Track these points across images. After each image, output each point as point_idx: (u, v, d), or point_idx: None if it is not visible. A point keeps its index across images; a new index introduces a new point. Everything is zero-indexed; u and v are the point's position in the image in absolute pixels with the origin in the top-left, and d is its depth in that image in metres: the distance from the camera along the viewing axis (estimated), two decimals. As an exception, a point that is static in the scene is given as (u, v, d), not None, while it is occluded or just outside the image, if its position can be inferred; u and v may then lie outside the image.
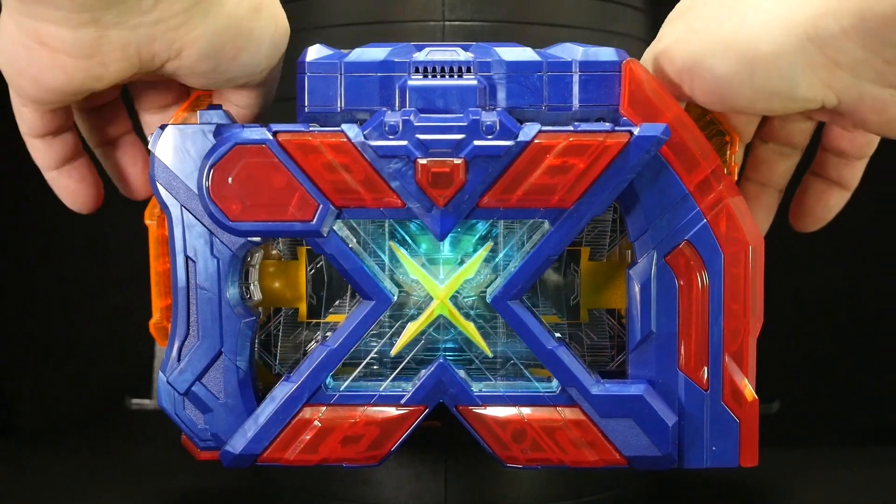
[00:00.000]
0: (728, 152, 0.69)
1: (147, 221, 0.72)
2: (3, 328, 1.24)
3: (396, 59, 0.65)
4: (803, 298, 1.20)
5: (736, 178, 0.70)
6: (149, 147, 0.66)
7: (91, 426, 1.22)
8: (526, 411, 0.65)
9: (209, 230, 0.65)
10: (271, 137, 0.63)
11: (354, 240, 0.66)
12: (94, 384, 1.24)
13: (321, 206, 0.63)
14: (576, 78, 0.65)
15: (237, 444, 0.65)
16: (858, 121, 0.60)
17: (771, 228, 0.72)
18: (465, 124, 0.62)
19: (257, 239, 0.65)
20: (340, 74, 0.66)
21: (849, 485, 1.03)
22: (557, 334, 0.67)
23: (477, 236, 0.67)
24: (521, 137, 0.62)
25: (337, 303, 0.72)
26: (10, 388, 1.24)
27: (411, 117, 0.62)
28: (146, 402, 0.88)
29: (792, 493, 1.00)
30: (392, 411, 0.65)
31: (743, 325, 0.65)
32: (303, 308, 0.72)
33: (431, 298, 0.66)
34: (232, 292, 0.66)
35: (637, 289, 0.65)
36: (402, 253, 0.66)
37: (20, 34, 0.60)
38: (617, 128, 0.62)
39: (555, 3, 0.79)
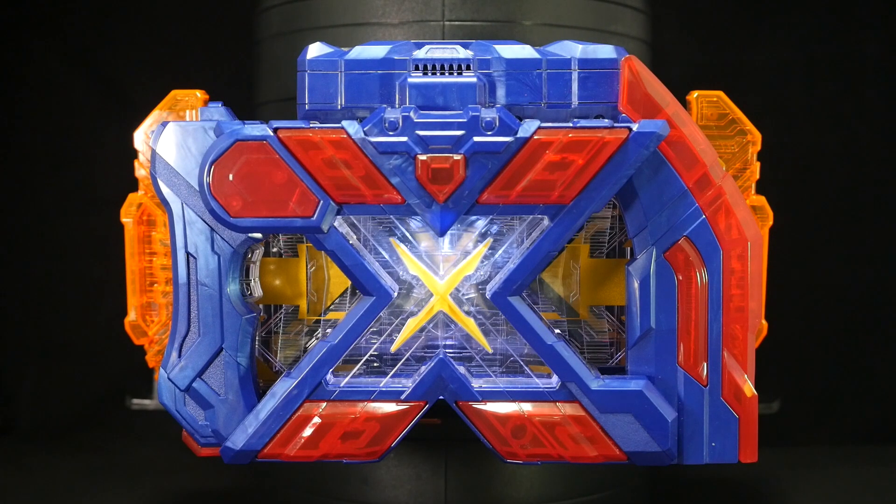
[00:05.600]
0: (750, 151, 0.70)
1: (123, 219, 0.72)
2: (3, 328, 1.25)
3: (396, 57, 0.66)
4: (804, 298, 1.21)
5: (758, 176, 0.70)
6: (150, 144, 0.66)
7: (91, 426, 1.22)
8: (526, 407, 0.65)
9: (210, 227, 0.65)
10: (272, 134, 0.63)
11: (355, 236, 0.66)
12: (94, 384, 1.24)
13: (321, 202, 0.63)
14: (575, 75, 0.66)
15: (238, 441, 0.66)
16: None
17: (772, 228, 0.73)
18: (465, 120, 0.63)
19: (258, 235, 0.66)
20: (341, 72, 0.66)
21: (849, 485, 1.03)
22: (557, 330, 0.68)
23: (477, 232, 0.68)
24: (521, 133, 0.62)
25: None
26: (10, 388, 1.24)
27: (411, 114, 0.63)
28: (146, 402, 0.88)
29: (792, 493, 1.00)
30: (392, 407, 0.65)
31: (742, 320, 0.65)
32: (303, 305, 0.72)
33: (431, 295, 0.66)
34: (232, 289, 0.66)
35: (636, 285, 0.65)
36: (402, 249, 0.67)
37: None
38: (616, 124, 0.63)
39: (554, 3, 0.80)
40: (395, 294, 0.66)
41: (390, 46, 0.66)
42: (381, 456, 0.66)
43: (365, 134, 0.63)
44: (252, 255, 0.69)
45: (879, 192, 1.22)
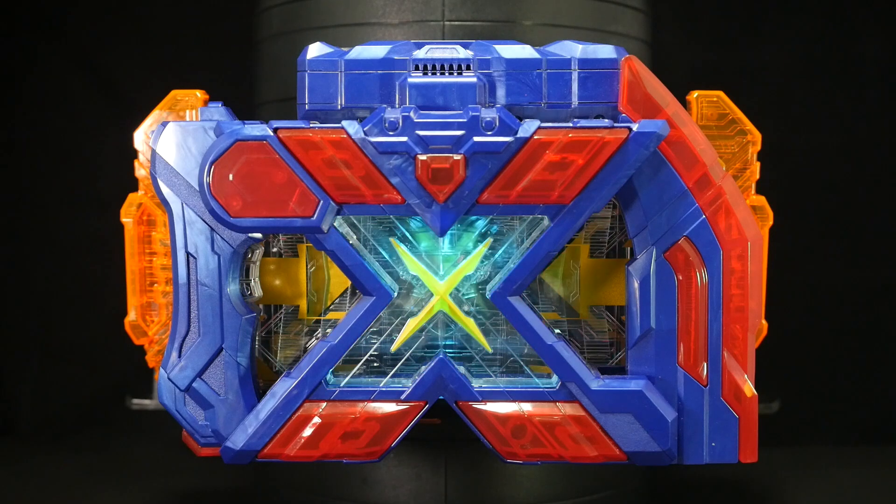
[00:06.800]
0: (750, 151, 0.70)
1: (123, 219, 0.72)
2: (3, 328, 1.25)
3: (396, 57, 0.66)
4: (804, 298, 1.21)
5: (758, 176, 0.71)
6: (150, 144, 0.66)
7: (91, 426, 1.22)
8: (526, 407, 0.65)
9: (210, 227, 0.65)
10: (272, 134, 0.63)
11: (355, 236, 0.66)
12: (94, 384, 1.24)
13: (321, 202, 0.63)
14: (575, 75, 0.66)
15: (238, 441, 0.66)
16: None
17: (772, 227, 0.73)
18: (465, 120, 0.63)
19: (258, 235, 0.66)
20: (341, 72, 0.66)
21: (849, 485, 1.03)
22: (557, 330, 0.68)
23: (477, 232, 0.68)
24: (521, 133, 0.62)
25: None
26: (10, 388, 1.24)
27: (411, 114, 0.63)
28: (147, 402, 0.88)
29: (792, 493, 1.00)
30: (392, 407, 0.65)
31: (742, 320, 0.65)
32: (303, 305, 0.72)
33: (431, 295, 0.66)
34: (233, 289, 0.66)
35: (636, 285, 0.65)
36: (402, 249, 0.67)
37: None
38: (616, 124, 0.63)
39: (554, 3, 0.80)
40: (395, 294, 0.66)
41: (390, 46, 0.66)
42: (381, 456, 0.66)
43: (365, 134, 0.63)
44: (252, 255, 0.69)
45: (879, 192, 1.22)
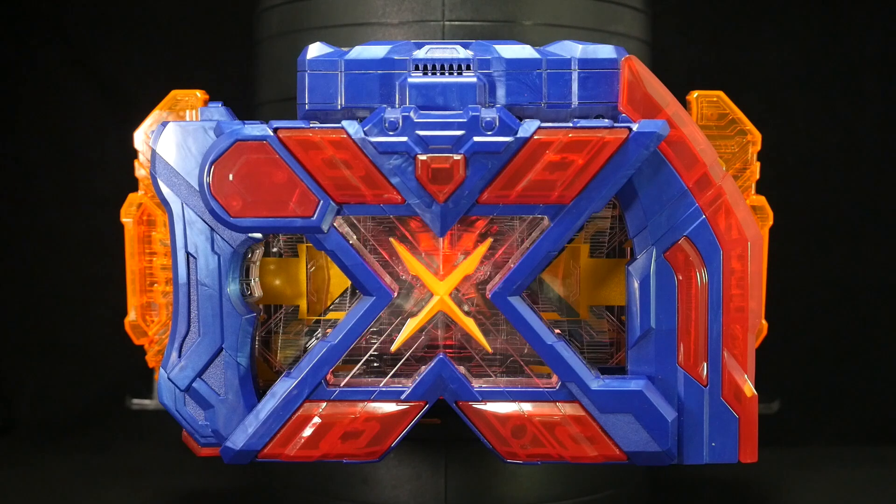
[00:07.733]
0: (750, 151, 0.70)
1: (123, 219, 0.72)
2: (3, 328, 1.25)
3: (396, 57, 0.66)
4: (804, 298, 1.21)
5: (758, 176, 0.71)
6: (150, 144, 0.66)
7: (91, 426, 1.22)
8: (526, 407, 0.65)
9: (210, 227, 0.65)
10: (272, 134, 0.63)
11: (355, 236, 0.66)
12: (94, 384, 1.24)
13: (321, 202, 0.64)
14: (575, 75, 0.66)
15: (238, 441, 0.66)
16: None
17: (772, 227, 0.73)
18: (465, 120, 0.63)
19: (258, 235, 0.66)
20: (341, 72, 0.66)
21: (849, 485, 1.03)
22: (557, 330, 0.68)
23: (477, 232, 0.68)
24: (521, 133, 0.62)
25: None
26: (10, 388, 1.24)
27: (411, 114, 0.63)
28: (147, 402, 0.88)
29: (792, 493, 1.00)
30: (392, 407, 0.65)
31: (742, 320, 0.65)
32: (303, 305, 0.72)
33: (431, 295, 0.66)
34: (233, 289, 0.66)
35: (636, 285, 0.65)
36: (402, 249, 0.67)
37: None
38: (616, 124, 0.63)
39: (554, 3, 0.80)
40: (395, 294, 0.66)
41: (390, 46, 0.66)
42: (381, 456, 0.66)
43: (365, 134, 0.63)
44: (252, 255, 0.69)
45: (879, 192, 1.22)
